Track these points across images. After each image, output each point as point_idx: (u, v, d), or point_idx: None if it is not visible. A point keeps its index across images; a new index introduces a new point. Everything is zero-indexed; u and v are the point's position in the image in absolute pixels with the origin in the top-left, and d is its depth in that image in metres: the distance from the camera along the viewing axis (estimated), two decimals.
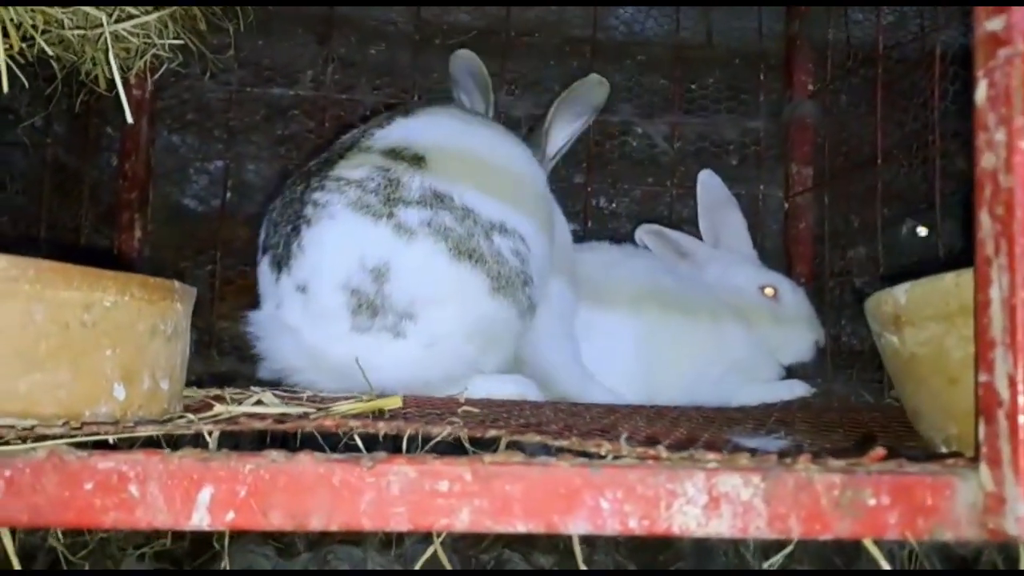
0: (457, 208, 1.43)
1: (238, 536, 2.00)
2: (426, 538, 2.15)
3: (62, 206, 1.97)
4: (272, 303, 1.48)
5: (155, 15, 1.13)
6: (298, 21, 2.42)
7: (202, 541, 2.03)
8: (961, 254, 0.84)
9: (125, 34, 1.16)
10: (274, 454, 0.66)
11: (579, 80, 1.89)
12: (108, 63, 1.05)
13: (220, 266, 2.37)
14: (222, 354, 2.39)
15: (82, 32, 1.05)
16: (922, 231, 2.13)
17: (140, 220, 2.26)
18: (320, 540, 2.05)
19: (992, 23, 0.71)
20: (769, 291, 2.01)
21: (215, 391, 1.15)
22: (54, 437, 0.66)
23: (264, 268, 1.52)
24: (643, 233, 2.11)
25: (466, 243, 1.42)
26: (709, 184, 2.13)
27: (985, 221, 0.70)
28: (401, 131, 1.54)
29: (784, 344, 1.99)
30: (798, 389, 1.98)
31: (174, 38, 1.30)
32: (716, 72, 2.50)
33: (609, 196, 2.49)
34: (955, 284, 0.84)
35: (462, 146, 1.55)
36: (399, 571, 2.00)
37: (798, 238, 2.34)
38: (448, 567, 0.90)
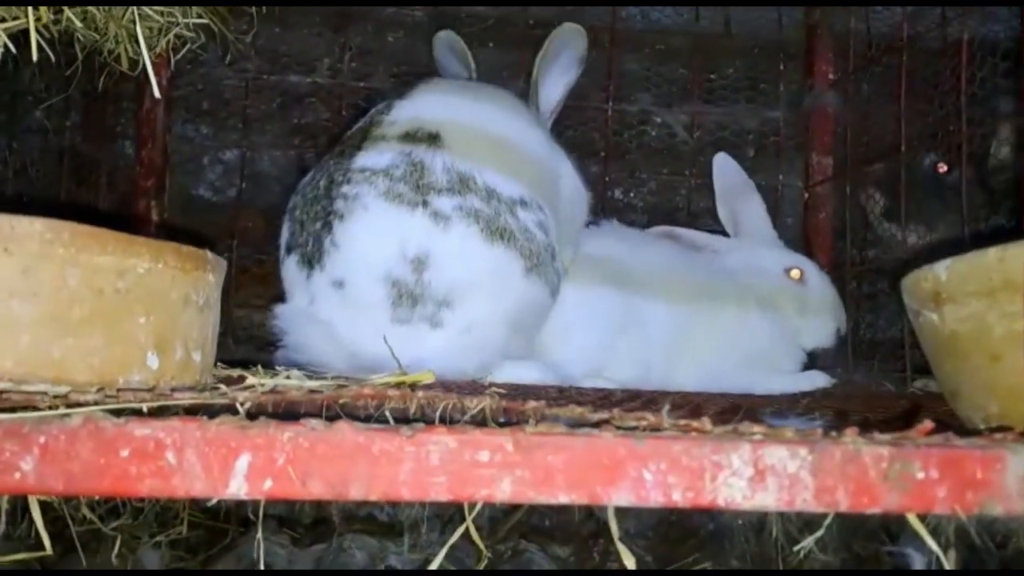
0: (480, 189, 1.43)
1: (251, 525, 1.99)
2: (443, 530, 2.13)
3: (79, 193, 1.97)
4: (303, 298, 1.46)
5: None
6: (315, 9, 2.41)
7: (217, 531, 2.02)
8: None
9: (149, 12, 1.15)
10: (313, 422, 0.65)
11: (553, 32, 1.82)
12: (136, 38, 1.04)
13: (236, 255, 2.36)
14: (238, 342, 2.39)
15: (107, 8, 1.04)
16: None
17: (157, 208, 2.26)
18: (337, 527, 2.04)
19: None
20: (795, 273, 1.98)
21: (248, 370, 1.14)
22: (87, 404, 0.65)
23: (291, 266, 1.49)
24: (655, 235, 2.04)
25: (495, 223, 1.41)
26: (725, 168, 2.09)
27: None
28: (408, 112, 1.53)
29: (808, 329, 1.96)
30: (819, 380, 1.95)
31: (196, 17, 1.29)
32: (736, 61, 2.48)
33: (626, 187, 2.48)
34: (999, 259, 0.83)
35: (470, 118, 1.54)
36: (399, 571, 1.98)
37: (818, 228, 2.32)
38: (480, 545, 0.89)
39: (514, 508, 2.08)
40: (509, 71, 2.46)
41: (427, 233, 1.38)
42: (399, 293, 1.37)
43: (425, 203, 1.40)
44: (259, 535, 1.54)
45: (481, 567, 1.75)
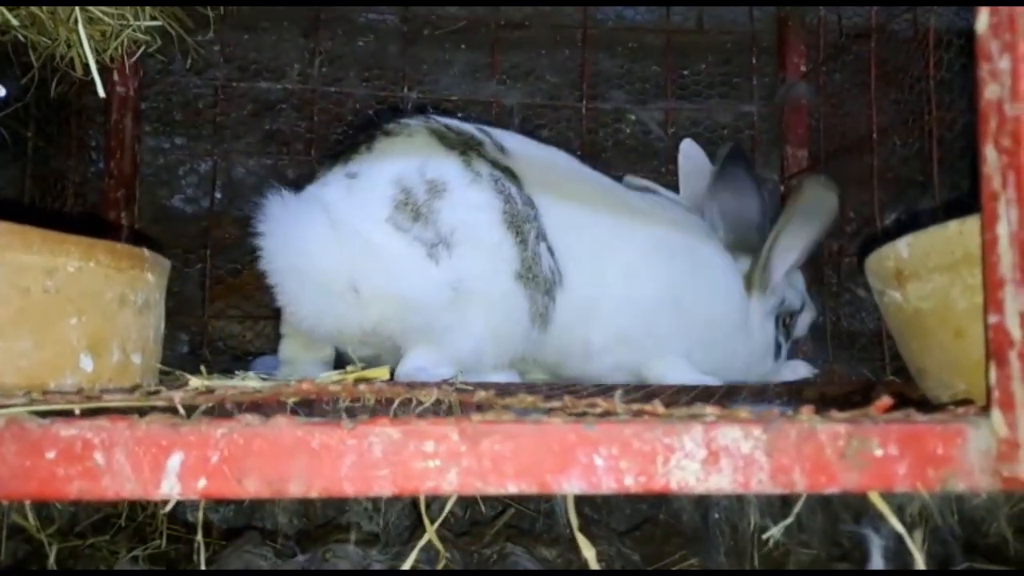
0: (524, 196, 1.44)
1: (234, 535, 1.95)
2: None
3: (45, 202, 1.94)
4: (313, 185, 1.48)
5: None
6: (284, 15, 2.39)
7: (197, 544, 1.99)
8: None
9: (98, 13, 1.13)
10: (248, 417, 0.62)
11: (797, 199, 1.74)
12: (80, 42, 1.02)
13: (210, 265, 2.34)
14: (215, 354, 2.35)
15: (51, 9, 1.01)
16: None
17: (127, 219, 2.23)
18: (320, 537, 2.01)
19: None
20: None
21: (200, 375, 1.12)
22: (12, 406, 0.62)
23: (324, 170, 1.52)
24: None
25: (518, 221, 1.42)
26: (689, 153, 2.09)
27: (991, 155, 0.67)
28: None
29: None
30: (802, 370, 1.95)
31: (150, 19, 1.27)
32: (708, 57, 2.48)
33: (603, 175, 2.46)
34: (959, 232, 0.81)
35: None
36: (400, 571, 1.95)
37: None
38: (440, 548, 0.86)
39: (502, 511, 2.06)
40: (482, 73, 2.45)
41: (454, 173, 1.41)
42: (405, 200, 1.37)
43: (465, 154, 1.45)
44: (199, 538, 1.50)
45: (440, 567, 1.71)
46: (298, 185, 2.37)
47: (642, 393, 1.16)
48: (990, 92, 0.67)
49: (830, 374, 1.95)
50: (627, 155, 2.45)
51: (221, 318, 2.36)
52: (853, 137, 2.08)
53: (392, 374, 1.32)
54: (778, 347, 1.88)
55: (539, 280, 1.44)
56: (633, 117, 2.47)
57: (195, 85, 2.32)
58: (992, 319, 0.66)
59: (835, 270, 2.26)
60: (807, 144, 2.33)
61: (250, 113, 2.38)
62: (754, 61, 2.44)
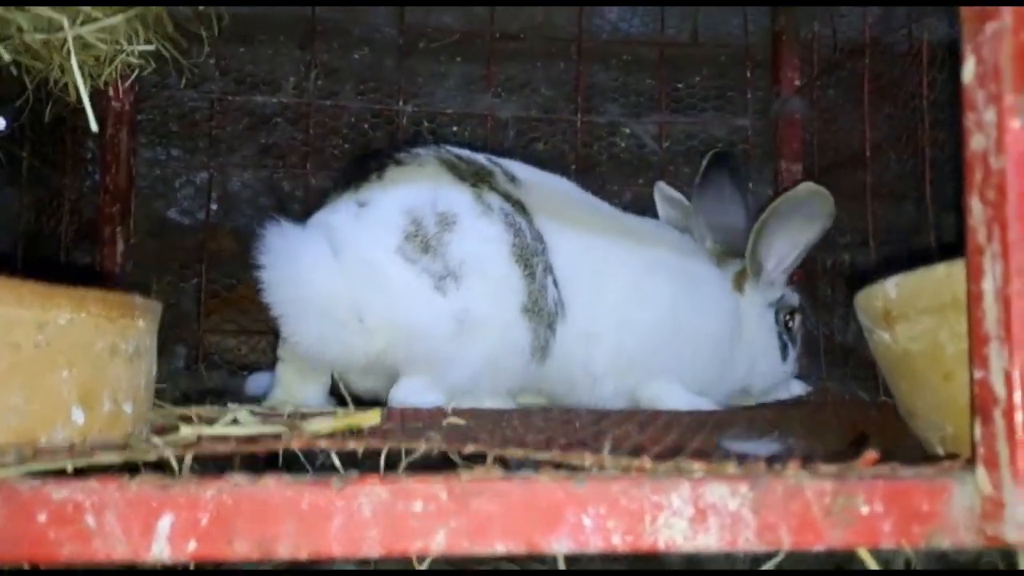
0: (533, 230, 1.47)
1: None
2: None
3: (41, 222, 1.94)
4: (322, 210, 1.49)
5: (119, 18, 1.09)
6: (280, 27, 2.39)
7: None
8: (952, 249, 0.81)
9: (92, 40, 1.13)
10: (238, 478, 0.63)
11: (787, 194, 1.75)
12: (72, 70, 1.02)
13: (206, 279, 2.34)
14: (210, 368, 2.35)
15: (44, 37, 1.01)
16: None
17: (122, 234, 2.23)
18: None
19: None
20: None
21: (192, 410, 1.12)
22: (4, 467, 0.62)
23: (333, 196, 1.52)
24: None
25: (527, 255, 1.44)
26: (666, 194, 2.12)
27: (976, 207, 0.67)
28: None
29: None
30: (795, 388, 1.96)
31: (145, 43, 1.26)
32: (703, 70, 2.48)
33: (598, 198, 2.47)
34: (947, 275, 0.81)
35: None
36: (398, 571, 1.95)
37: None
38: None
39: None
40: (477, 85, 2.45)
41: (466, 206, 1.42)
42: (416, 231, 1.37)
43: (476, 187, 1.46)
44: None
45: None
46: (294, 198, 2.40)
47: (634, 424, 1.16)
48: (976, 143, 0.67)
49: (823, 392, 1.96)
50: (621, 168, 2.45)
51: (216, 332, 2.36)
52: (847, 152, 2.09)
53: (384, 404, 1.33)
54: (784, 347, 1.88)
55: (543, 314, 1.45)
56: (627, 130, 2.47)
57: (191, 98, 2.32)
58: (977, 375, 0.67)
59: (830, 285, 2.26)
60: (801, 158, 2.33)
61: (246, 126, 2.39)
62: (748, 75, 2.44)
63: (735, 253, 1.85)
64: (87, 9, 1.06)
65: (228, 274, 2.35)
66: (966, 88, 0.68)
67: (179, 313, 2.33)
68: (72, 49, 0.97)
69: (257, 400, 2.00)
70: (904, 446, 0.95)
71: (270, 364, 2.37)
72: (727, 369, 1.77)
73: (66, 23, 0.98)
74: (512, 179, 1.57)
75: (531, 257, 1.44)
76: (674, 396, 1.59)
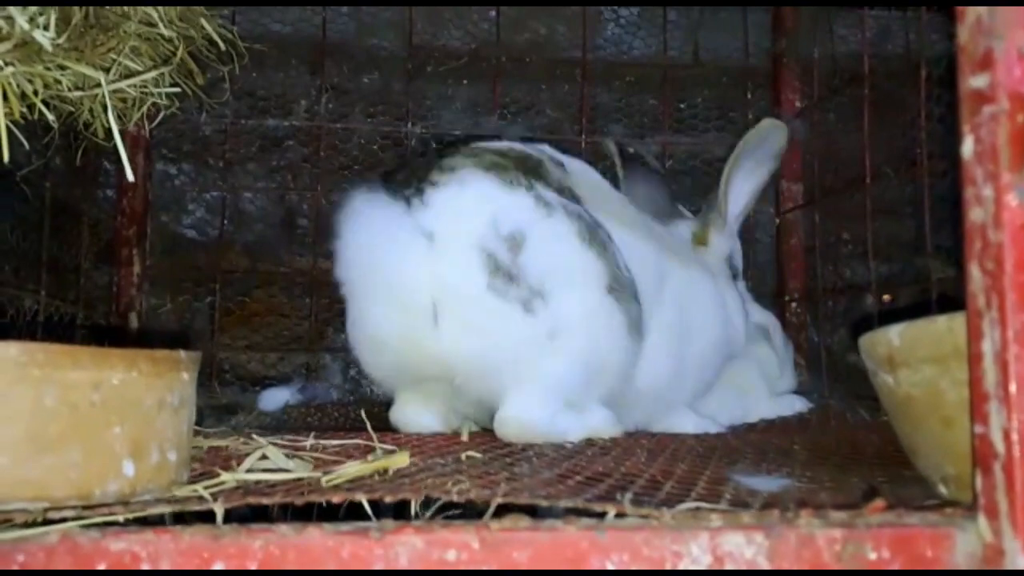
0: (588, 213, 1.45)
1: None
2: None
3: (62, 246, 1.99)
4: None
5: (154, 72, 1.14)
6: (291, 51, 2.44)
7: None
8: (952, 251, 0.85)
9: (123, 86, 1.17)
10: (284, 528, 0.67)
11: (751, 131, 1.86)
12: (107, 121, 1.06)
13: (219, 296, 2.39)
14: (224, 384, 2.40)
15: (81, 95, 1.06)
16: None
17: (139, 255, 2.28)
18: None
19: (977, 80, 0.72)
20: None
21: (216, 436, 1.16)
22: (63, 520, 0.67)
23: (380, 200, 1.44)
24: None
25: (594, 232, 1.42)
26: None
27: (975, 274, 0.72)
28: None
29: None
30: (798, 404, 2.00)
31: (171, 86, 1.31)
32: (704, 91, 2.53)
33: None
34: (948, 328, 0.85)
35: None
36: (399, 571, 1.99)
37: (790, 254, 2.36)
38: None
39: None
40: (483, 107, 2.50)
41: (528, 215, 1.36)
42: (496, 266, 1.33)
43: (531, 186, 1.40)
44: None
45: None
46: (305, 216, 2.45)
47: (643, 452, 1.21)
48: (975, 215, 0.72)
49: (825, 408, 2.00)
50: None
51: (229, 348, 2.41)
52: (847, 173, 2.13)
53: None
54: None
55: (625, 285, 1.44)
56: (631, 150, 2.52)
57: (205, 122, 2.37)
58: (978, 430, 0.71)
59: (832, 301, 2.31)
60: (801, 178, 2.38)
61: (258, 148, 2.43)
62: (749, 96, 2.49)
63: (671, 215, 1.97)
64: (123, 60, 1.10)
65: (240, 291, 2.41)
66: (965, 164, 0.73)
67: (193, 331, 2.38)
68: (110, 105, 1.01)
69: (270, 414, 2.05)
70: (906, 475, 0.99)
71: (281, 379, 2.43)
72: (725, 355, 1.83)
73: (103, 79, 1.02)
74: (559, 164, 1.55)
75: (596, 230, 1.42)
76: (683, 420, 1.64)
